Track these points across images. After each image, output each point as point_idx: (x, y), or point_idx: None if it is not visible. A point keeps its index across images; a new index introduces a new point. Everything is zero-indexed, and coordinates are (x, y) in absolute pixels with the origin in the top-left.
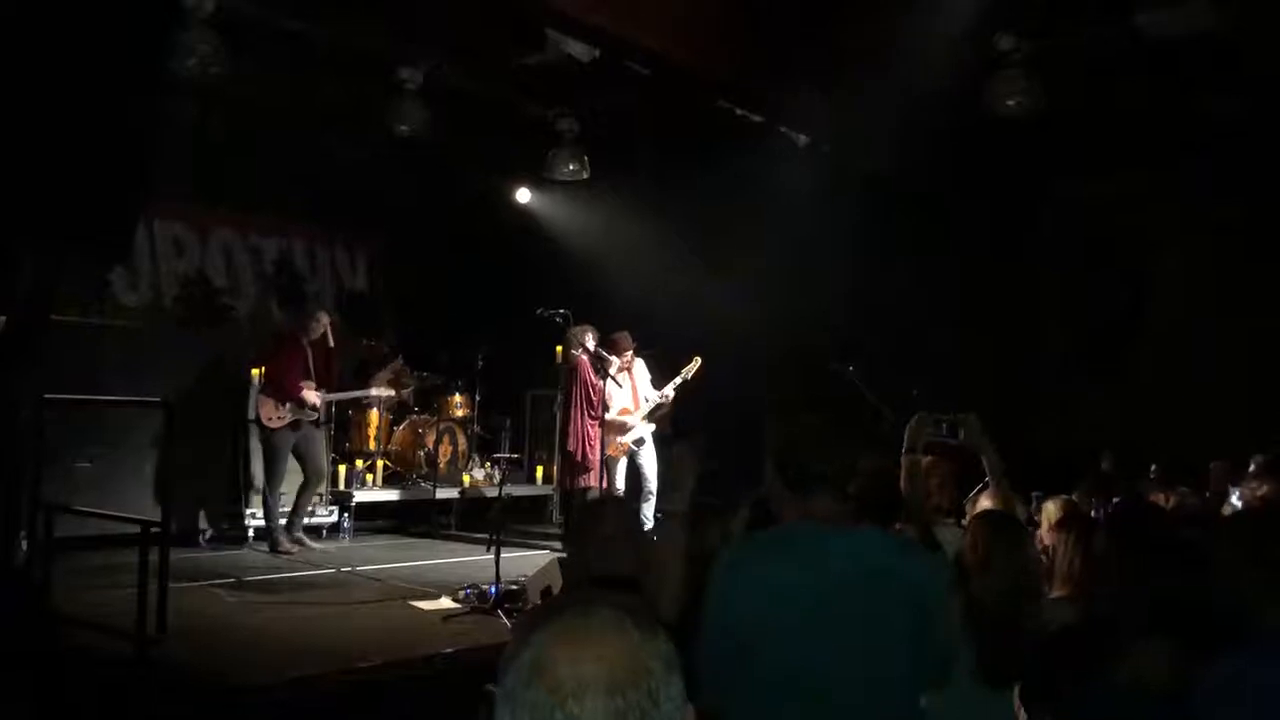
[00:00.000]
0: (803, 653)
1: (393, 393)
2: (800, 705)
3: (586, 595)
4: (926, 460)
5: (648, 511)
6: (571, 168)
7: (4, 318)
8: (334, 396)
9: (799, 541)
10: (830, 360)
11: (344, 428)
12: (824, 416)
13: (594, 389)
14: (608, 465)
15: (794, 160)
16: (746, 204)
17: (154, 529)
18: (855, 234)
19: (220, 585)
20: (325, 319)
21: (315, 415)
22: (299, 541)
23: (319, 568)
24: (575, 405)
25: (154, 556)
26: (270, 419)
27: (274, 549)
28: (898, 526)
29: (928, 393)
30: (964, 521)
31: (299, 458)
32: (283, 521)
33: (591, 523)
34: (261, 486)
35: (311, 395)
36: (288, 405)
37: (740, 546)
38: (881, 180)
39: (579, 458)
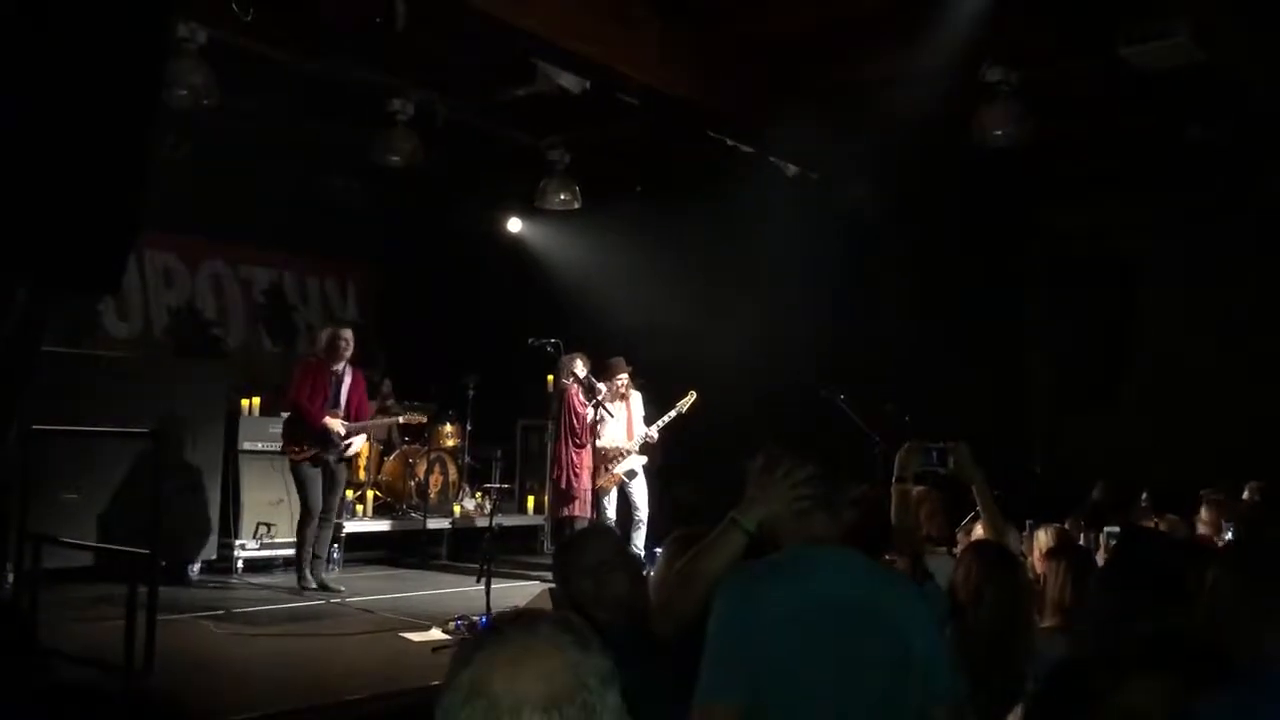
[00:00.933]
0: (794, 671)
1: (424, 419)
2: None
3: (527, 613)
4: (917, 489)
5: (638, 541)
6: (563, 197)
7: None
8: (364, 424)
9: (791, 566)
10: (820, 388)
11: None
12: (825, 443)
13: (578, 417)
14: (597, 496)
15: (784, 190)
16: (737, 233)
17: (142, 560)
18: (844, 262)
19: (209, 617)
20: (350, 338)
21: (342, 448)
22: (319, 582)
23: (308, 600)
24: (561, 434)
25: (142, 588)
26: (292, 451)
27: (300, 584)
28: (887, 556)
29: (918, 420)
30: (955, 550)
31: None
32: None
33: (576, 554)
34: (300, 522)
35: (336, 424)
36: (306, 441)
37: (739, 570)
38: (870, 209)
39: (563, 485)
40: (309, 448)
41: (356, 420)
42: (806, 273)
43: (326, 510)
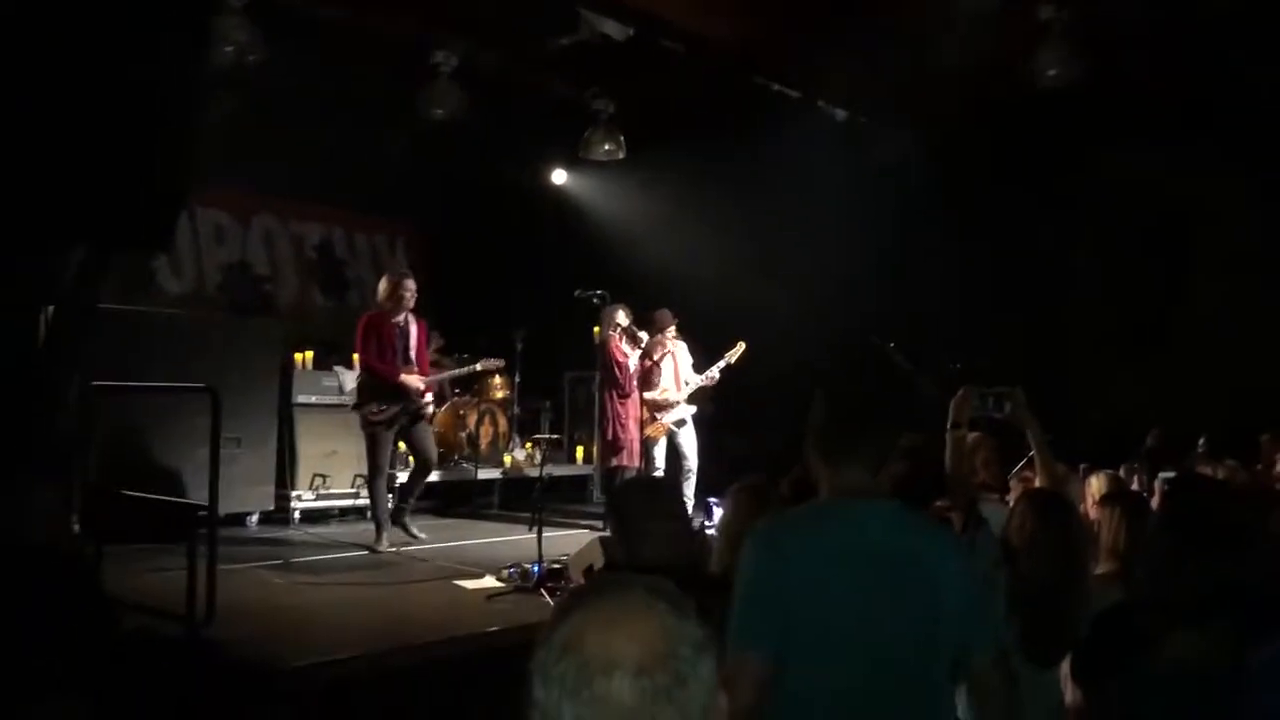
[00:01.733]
0: (819, 621)
1: (502, 363)
2: (823, 670)
3: (623, 577)
4: (971, 436)
5: (687, 490)
6: (608, 148)
7: (52, 307)
8: (442, 376)
9: (825, 518)
10: (871, 335)
11: None
12: (863, 390)
13: (620, 368)
14: (646, 446)
15: (832, 136)
16: (785, 181)
17: (202, 512)
18: (894, 210)
19: (268, 568)
20: (413, 286)
21: (421, 405)
22: (404, 528)
23: (365, 549)
24: (606, 384)
25: (203, 542)
26: (369, 414)
27: (376, 544)
28: (940, 504)
29: (970, 367)
30: (1009, 498)
31: (410, 447)
32: (391, 508)
33: (627, 503)
34: (370, 479)
35: (414, 380)
36: (384, 400)
37: (770, 520)
38: (920, 154)
39: (609, 436)
40: (387, 406)
41: (424, 373)
42: (855, 221)
43: (425, 462)
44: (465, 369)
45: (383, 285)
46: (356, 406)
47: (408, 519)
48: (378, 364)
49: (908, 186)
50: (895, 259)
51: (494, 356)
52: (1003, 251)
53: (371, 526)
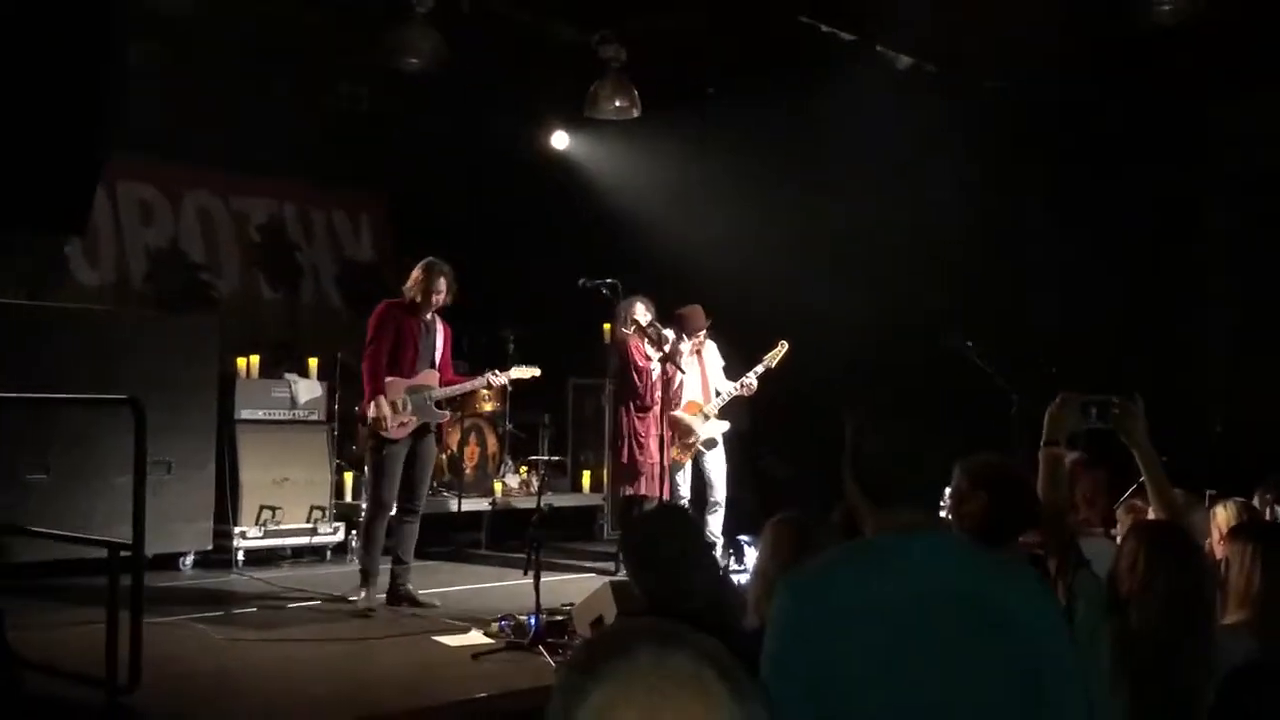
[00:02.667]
0: (872, 690)
1: (537, 372)
2: None
3: (659, 630)
4: (1071, 456)
5: (715, 527)
6: (619, 104)
7: None
8: (464, 386)
9: (874, 558)
10: (942, 334)
11: (348, 432)
12: (915, 415)
13: (641, 374)
14: (670, 471)
15: (895, 87)
16: (836, 144)
17: (124, 552)
18: (971, 176)
19: (204, 620)
20: (451, 277)
21: (445, 415)
22: (408, 597)
23: (323, 598)
24: (621, 395)
25: (125, 585)
26: (388, 426)
27: (357, 594)
28: (1029, 540)
29: (1066, 371)
30: (1116, 532)
31: (403, 476)
32: (386, 567)
33: (646, 542)
34: (365, 516)
35: (436, 386)
36: (408, 402)
37: (808, 562)
38: (1003, 110)
39: (624, 459)
40: (408, 416)
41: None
42: (923, 192)
43: (414, 500)
44: (483, 379)
45: (415, 273)
46: (364, 419)
47: (411, 584)
48: (372, 363)
49: (987, 149)
50: (971, 238)
51: (482, 360)
52: (1106, 228)
53: (342, 570)
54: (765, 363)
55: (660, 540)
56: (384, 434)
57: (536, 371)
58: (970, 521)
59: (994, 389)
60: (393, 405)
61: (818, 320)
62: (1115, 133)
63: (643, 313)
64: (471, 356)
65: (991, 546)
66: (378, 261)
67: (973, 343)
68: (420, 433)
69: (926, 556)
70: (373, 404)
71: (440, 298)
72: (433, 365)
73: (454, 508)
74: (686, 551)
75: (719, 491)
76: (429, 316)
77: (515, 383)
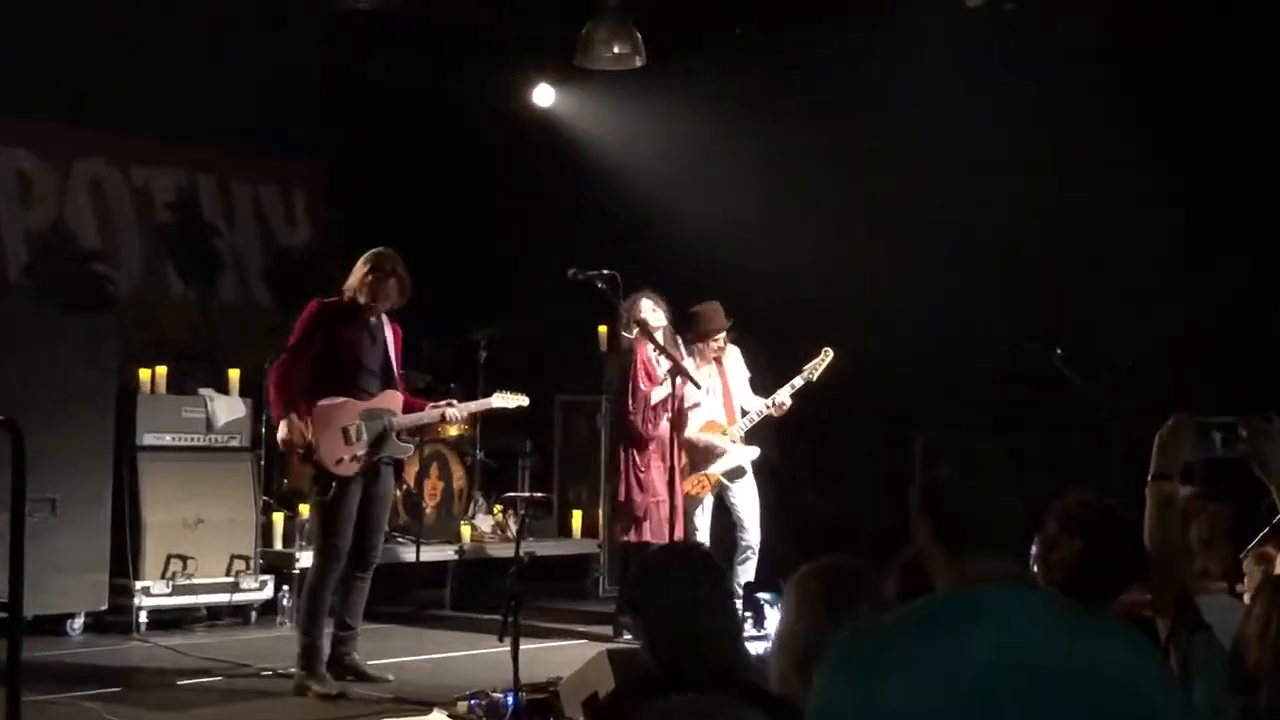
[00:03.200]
0: None
1: (524, 401)
2: None
3: (704, 712)
4: (1186, 494)
5: (744, 575)
6: (618, 50)
7: None
8: (417, 419)
9: (948, 617)
10: (1025, 338)
11: (274, 459)
12: (997, 439)
13: (644, 391)
14: (686, 507)
15: (962, 27)
16: (888, 97)
17: (1, 614)
18: (1055, 142)
19: (98, 696)
20: (398, 285)
21: (409, 448)
22: (353, 669)
23: (248, 672)
24: (621, 417)
25: (0, 654)
26: (339, 459)
27: (303, 682)
28: (1132, 598)
29: (1180, 386)
30: (1243, 588)
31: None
32: (329, 633)
33: (654, 590)
34: (311, 572)
35: (397, 402)
36: (363, 430)
37: (859, 626)
38: (1096, 55)
39: (621, 496)
40: (367, 447)
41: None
42: (997, 158)
43: (368, 552)
44: (451, 410)
45: (359, 268)
46: (307, 452)
47: (358, 653)
48: (282, 371)
49: (1077, 107)
50: (1061, 221)
51: (446, 370)
52: (1234, 212)
53: (271, 635)
54: (805, 374)
55: (673, 588)
56: (333, 471)
57: (524, 400)
58: (1061, 573)
59: (1089, 408)
60: (344, 433)
61: (870, 321)
62: (1226, 89)
63: (650, 311)
64: (436, 366)
65: (1087, 604)
66: (315, 248)
67: (1062, 349)
68: (375, 469)
69: (1009, 617)
70: (282, 424)
71: (391, 302)
72: (390, 383)
73: (411, 557)
74: (706, 602)
75: (752, 534)
76: (375, 320)
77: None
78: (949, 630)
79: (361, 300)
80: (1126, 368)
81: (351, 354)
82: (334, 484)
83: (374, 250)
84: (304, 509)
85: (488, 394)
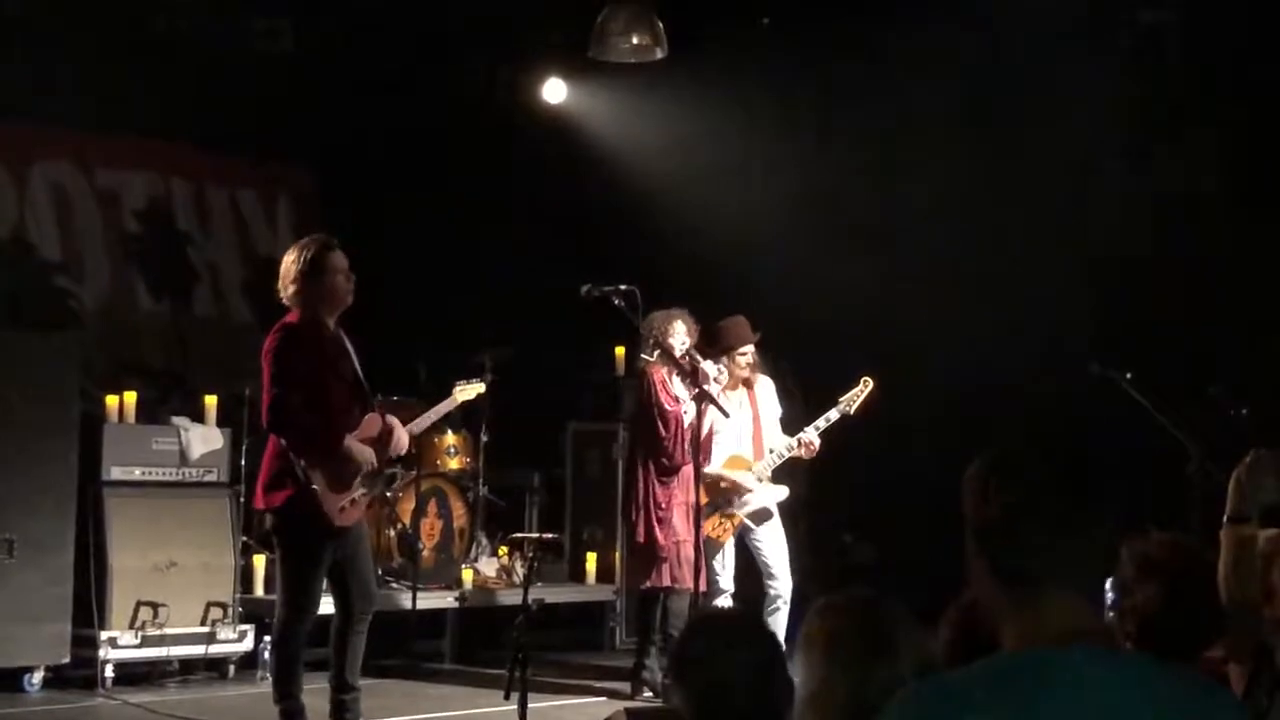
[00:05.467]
0: None
1: (482, 387)
2: None
3: None
4: (1266, 535)
5: (776, 626)
6: (636, 41)
7: None
8: (424, 420)
9: (1020, 683)
10: (1092, 361)
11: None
12: (1063, 468)
13: (667, 420)
14: (707, 551)
15: (1024, 12)
16: (940, 90)
17: None
18: (1132, 138)
19: None
20: (345, 263)
21: (398, 478)
22: None
23: None
24: (641, 450)
25: None
26: (341, 508)
27: None
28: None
29: (1265, 415)
30: None
31: (336, 572)
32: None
33: (689, 661)
34: (277, 628)
35: (376, 426)
36: (355, 474)
37: (915, 695)
38: (1181, 43)
39: (642, 538)
40: (365, 483)
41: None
42: (1063, 156)
43: (368, 603)
44: (441, 407)
45: (290, 264)
46: (288, 507)
47: (361, 717)
48: (300, 417)
49: (1156, 100)
50: (1131, 227)
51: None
52: None
53: (251, 692)
54: (841, 408)
55: (721, 660)
56: (338, 522)
57: (481, 387)
58: (1137, 622)
59: (1162, 439)
60: (335, 480)
61: (914, 343)
62: None
63: (678, 332)
64: (433, 392)
65: (1166, 657)
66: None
67: (1131, 374)
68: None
69: (1097, 679)
70: (348, 449)
71: (345, 291)
72: (365, 404)
73: (407, 604)
74: (761, 674)
75: (782, 582)
76: (335, 332)
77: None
78: (1015, 695)
79: (320, 307)
80: (1207, 395)
81: (330, 378)
82: (318, 532)
83: (303, 242)
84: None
85: (491, 428)
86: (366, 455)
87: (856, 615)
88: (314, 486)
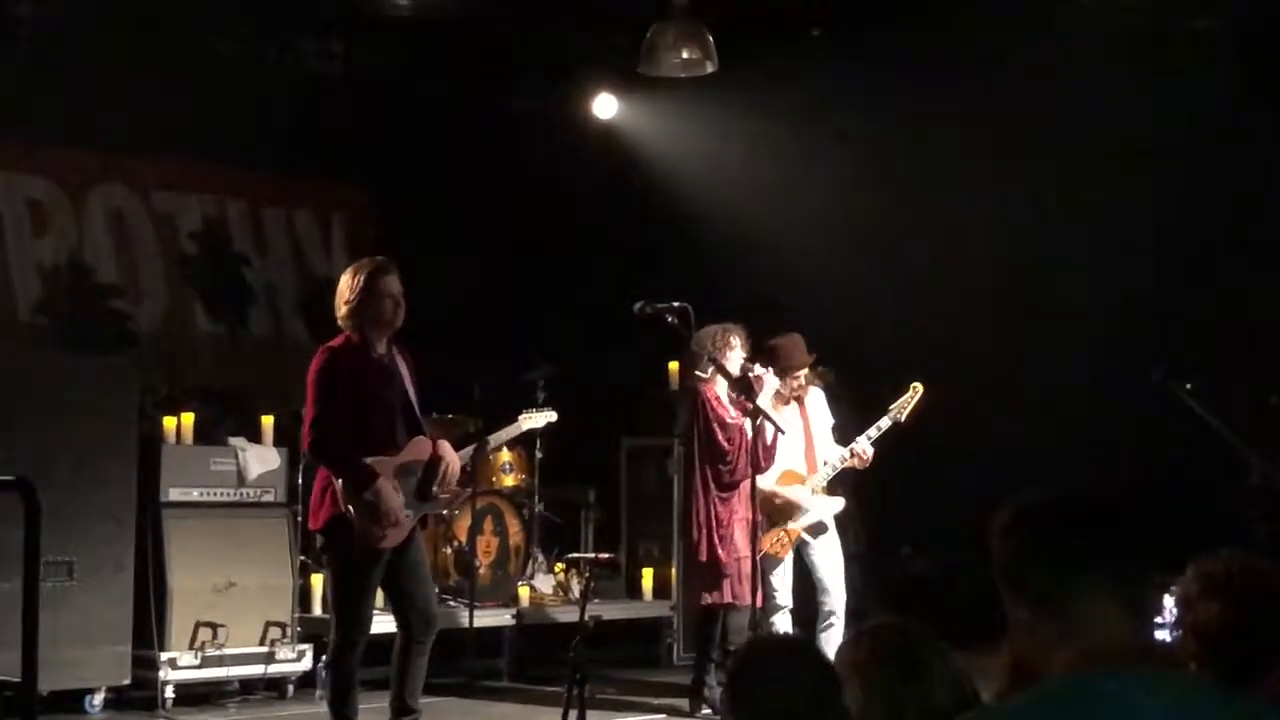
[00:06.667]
0: None
1: (553, 416)
2: None
3: None
4: None
5: (827, 645)
6: (687, 55)
7: None
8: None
9: (1064, 702)
10: (1152, 371)
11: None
12: (1081, 507)
13: (723, 436)
14: (766, 567)
15: (1082, 19)
16: (999, 99)
17: (8, 692)
18: (1190, 147)
19: None
20: (398, 287)
21: (448, 497)
22: None
23: None
24: (698, 464)
25: None
26: (375, 533)
27: None
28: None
29: None
30: None
31: (393, 594)
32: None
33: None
34: (331, 650)
35: (426, 450)
36: (385, 509)
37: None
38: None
39: (702, 555)
40: (405, 510)
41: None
42: (1120, 169)
43: (430, 624)
44: (505, 432)
45: (345, 283)
46: (330, 529)
47: None
48: (337, 448)
49: (1212, 111)
50: (1189, 237)
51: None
52: None
53: (310, 712)
54: (893, 415)
55: (770, 691)
56: (379, 546)
57: (552, 416)
58: (1198, 640)
59: (1223, 450)
60: (370, 506)
61: (967, 350)
62: None
63: (734, 348)
64: (487, 408)
65: (1230, 681)
66: None
67: (1192, 384)
68: (410, 536)
69: (1154, 703)
70: (375, 491)
71: (393, 311)
72: (416, 427)
73: (464, 622)
74: (819, 699)
75: (836, 597)
76: (384, 353)
77: (548, 439)
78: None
79: (365, 328)
80: (1270, 405)
81: (372, 402)
82: (361, 554)
83: (359, 264)
84: None
85: (546, 445)
86: (392, 505)
87: (886, 644)
88: (349, 509)
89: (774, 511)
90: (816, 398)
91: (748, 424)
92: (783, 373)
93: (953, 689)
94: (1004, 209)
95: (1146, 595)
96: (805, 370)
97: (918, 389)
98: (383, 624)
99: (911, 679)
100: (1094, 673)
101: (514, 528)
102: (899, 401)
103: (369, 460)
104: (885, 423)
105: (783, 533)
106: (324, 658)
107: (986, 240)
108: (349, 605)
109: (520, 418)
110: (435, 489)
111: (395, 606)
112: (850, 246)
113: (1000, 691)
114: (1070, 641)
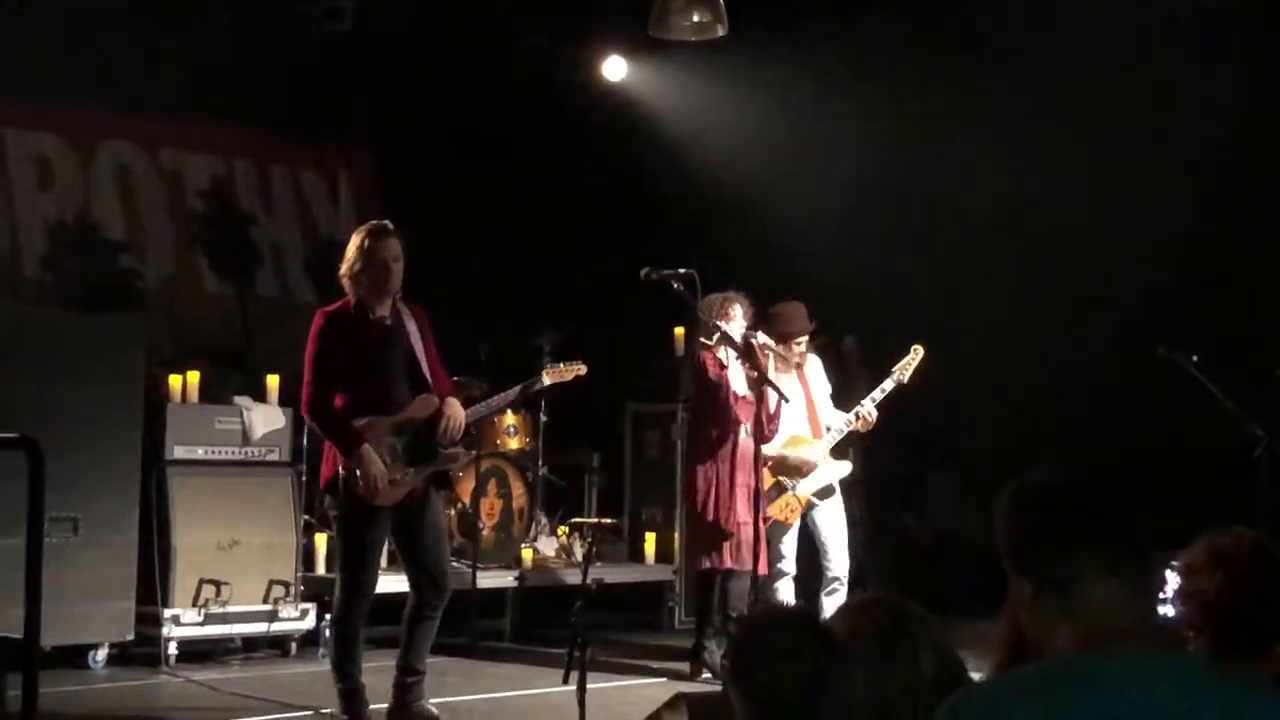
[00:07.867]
0: None
1: (582, 368)
2: None
3: None
4: None
5: (833, 608)
6: (698, 18)
7: None
8: (491, 404)
9: (1057, 681)
10: (1158, 347)
11: (317, 475)
12: (1083, 482)
13: (724, 400)
14: (772, 534)
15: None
16: (1010, 70)
17: (14, 647)
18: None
19: None
20: (397, 248)
21: (458, 456)
22: (422, 716)
23: (286, 708)
24: (701, 429)
25: (15, 691)
26: (371, 485)
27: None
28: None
29: None
30: None
31: (404, 554)
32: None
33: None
34: (335, 608)
35: (430, 406)
36: (397, 448)
37: (965, 698)
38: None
39: (708, 516)
40: (410, 465)
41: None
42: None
43: (441, 587)
44: (514, 391)
45: (350, 248)
46: (335, 484)
47: (424, 700)
48: (321, 408)
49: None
50: (1203, 208)
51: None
52: None
53: (312, 670)
54: (895, 377)
55: (774, 666)
56: (367, 498)
57: (581, 369)
58: (1201, 611)
59: (1229, 425)
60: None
61: (971, 315)
62: None
63: (735, 315)
64: (493, 371)
65: (1230, 656)
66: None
67: (1198, 357)
68: (421, 491)
69: (1151, 682)
70: (358, 456)
71: (394, 272)
72: (421, 385)
73: (467, 584)
74: (820, 676)
75: (838, 563)
76: (388, 310)
77: (553, 402)
78: (1064, 697)
79: (362, 292)
80: (1274, 379)
81: (370, 364)
82: (362, 512)
83: (360, 228)
84: None
85: (551, 408)
86: (371, 471)
87: (873, 618)
88: (340, 469)
89: (786, 473)
90: (815, 365)
91: (744, 387)
92: (783, 339)
93: (937, 666)
94: (1014, 177)
95: (1151, 573)
96: (804, 338)
97: (918, 350)
98: (390, 583)
99: (894, 655)
100: (1096, 651)
101: (518, 490)
102: (901, 363)
103: (365, 420)
104: (889, 385)
105: (792, 498)
106: (328, 616)
107: (998, 209)
108: (350, 564)
109: (545, 372)
110: (438, 445)
111: (406, 568)
112: (860, 212)
113: (998, 663)
114: (1073, 619)
